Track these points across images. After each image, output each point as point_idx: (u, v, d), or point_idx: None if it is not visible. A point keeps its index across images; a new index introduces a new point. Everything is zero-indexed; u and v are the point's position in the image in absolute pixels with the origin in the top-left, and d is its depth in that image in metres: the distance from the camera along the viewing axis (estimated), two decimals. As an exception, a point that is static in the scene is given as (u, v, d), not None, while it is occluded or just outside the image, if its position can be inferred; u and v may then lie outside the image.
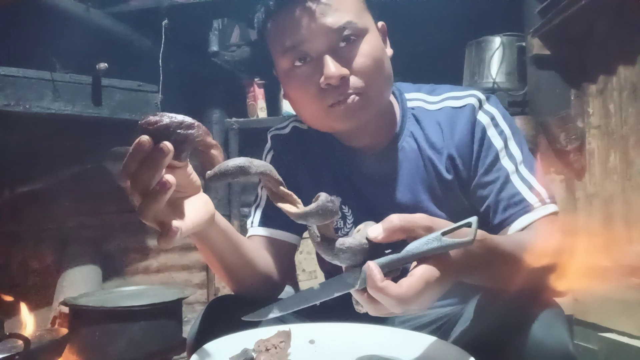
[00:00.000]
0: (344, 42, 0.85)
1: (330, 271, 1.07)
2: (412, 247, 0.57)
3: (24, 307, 1.43)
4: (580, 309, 1.74)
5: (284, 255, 1.01)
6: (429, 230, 0.58)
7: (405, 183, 0.94)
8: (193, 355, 0.65)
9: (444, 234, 0.56)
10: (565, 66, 1.95)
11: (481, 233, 0.64)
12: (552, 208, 0.86)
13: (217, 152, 0.62)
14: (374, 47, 0.87)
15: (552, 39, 1.92)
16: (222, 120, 2.31)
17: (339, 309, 0.75)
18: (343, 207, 0.98)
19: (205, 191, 0.70)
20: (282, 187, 0.60)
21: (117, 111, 1.91)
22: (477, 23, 2.10)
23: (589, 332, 1.69)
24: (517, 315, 0.68)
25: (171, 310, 1.49)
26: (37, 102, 1.75)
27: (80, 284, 1.85)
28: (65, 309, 1.52)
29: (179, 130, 0.58)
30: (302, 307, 0.64)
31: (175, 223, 0.59)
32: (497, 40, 2.07)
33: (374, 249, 0.59)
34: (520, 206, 0.86)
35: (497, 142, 0.90)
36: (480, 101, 0.93)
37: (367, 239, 0.59)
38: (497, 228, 0.87)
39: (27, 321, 1.38)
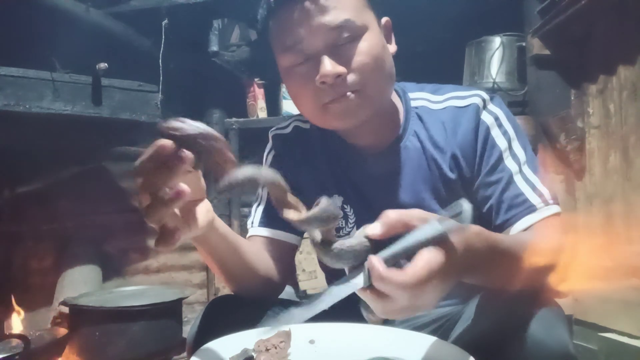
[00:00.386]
0: (342, 41, 0.85)
1: (331, 271, 1.07)
2: (410, 237, 0.57)
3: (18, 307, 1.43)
4: (580, 309, 1.74)
5: (284, 255, 1.01)
6: (425, 221, 0.58)
7: (408, 182, 0.94)
8: (193, 355, 0.65)
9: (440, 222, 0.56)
10: (565, 66, 1.95)
11: (478, 227, 0.64)
12: (555, 209, 0.86)
13: (232, 168, 0.62)
14: (373, 45, 0.86)
15: (552, 39, 1.92)
16: (222, 120, 2.31)
17: (339, 309, 0.75)
18: (345, 206, 0.98)
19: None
20: (289, 195, 0.60)
21: (117, 111, 1.91)
22: (477, 23, 2.10)
23: (589, 332, 1.69)
24: (517, 315, 0.68)
25: (171, 310, 1.49)
26: (37, 102, 1.75)
27: (80, 284, 1.85)
28: (65, 309, 1.52)
29: (200, 140, 0.58)
30: (314, 314, 0.62)
31: (175, 226, 0.59)
32: (497, 40, 2.07)
33: (374, 248, 0.59)
34: (523, 207, 0.86)
35: (501, 143, 0.90)
36: (484, 101, 0.93)
37: (366, 237, 0.59)
38: (499, 228, 0.87)
39: (25, 321, 1.38)
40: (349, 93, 0.85)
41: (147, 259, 2.25)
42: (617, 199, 1.69)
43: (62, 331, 1.43)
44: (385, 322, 0.88)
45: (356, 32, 0.85)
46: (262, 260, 0.94)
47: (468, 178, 0.92)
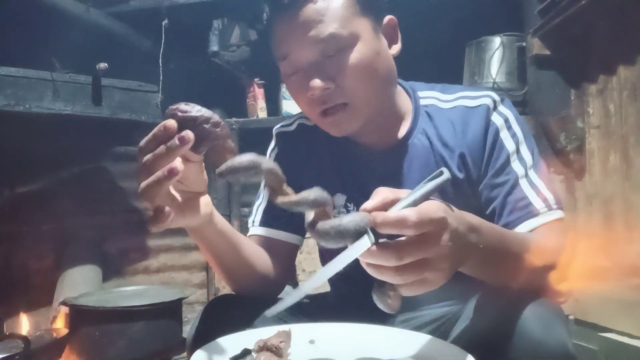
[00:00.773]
0: (331, 52, 0.85)
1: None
2: (401, 202, 0.57)
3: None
4: (580, 309, 1.74)
5: (285, 255, 1.01)
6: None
7: (415, 180, 0.93)
8: (193, 355, 0.65)
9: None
10: (565, 66, 1.95)
11: (475, 217, 0.66)
12: (558, 214, 0.86)
13: (231, 157, 0.62)
14: (364, 55, 0.86)
15: (552, 39, 1.92)
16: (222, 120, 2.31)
17: (339, 309, 0.75)
18: (348, 204, 0.98)
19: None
20: (285, 185, 0.61)
21: (117, 111, 1.91)
22: (477, 23, 2.10)
23: (589, 332, 1.69)
24: (517, 315, 0.68)
25: (171, 310, 1.49)
26: (37, 102, 1.75)
27: (80, 284, 1.85)
28: (65, 309, 1.52)
29: (204, 125, 0.60)
30: (321, 281, 0.62)
31: (167, 209, 0.61)
32: (497, 40, 2.07)
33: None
34: (526, 210, 0.85)
35: (510, 145, 0.90)
36: (495, 102, 0.93)
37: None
38: None
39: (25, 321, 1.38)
40: (337, 105, 0.87)
41: (147, 259, 2.25)
42: (617, 199, 1.69)
43: (62, 331, 1.43)
44: (385, 321, 0.88)
45: (345, 44, 0.85)
46: (262, 259, 0.94)
47: (474, 178, 0.92)
